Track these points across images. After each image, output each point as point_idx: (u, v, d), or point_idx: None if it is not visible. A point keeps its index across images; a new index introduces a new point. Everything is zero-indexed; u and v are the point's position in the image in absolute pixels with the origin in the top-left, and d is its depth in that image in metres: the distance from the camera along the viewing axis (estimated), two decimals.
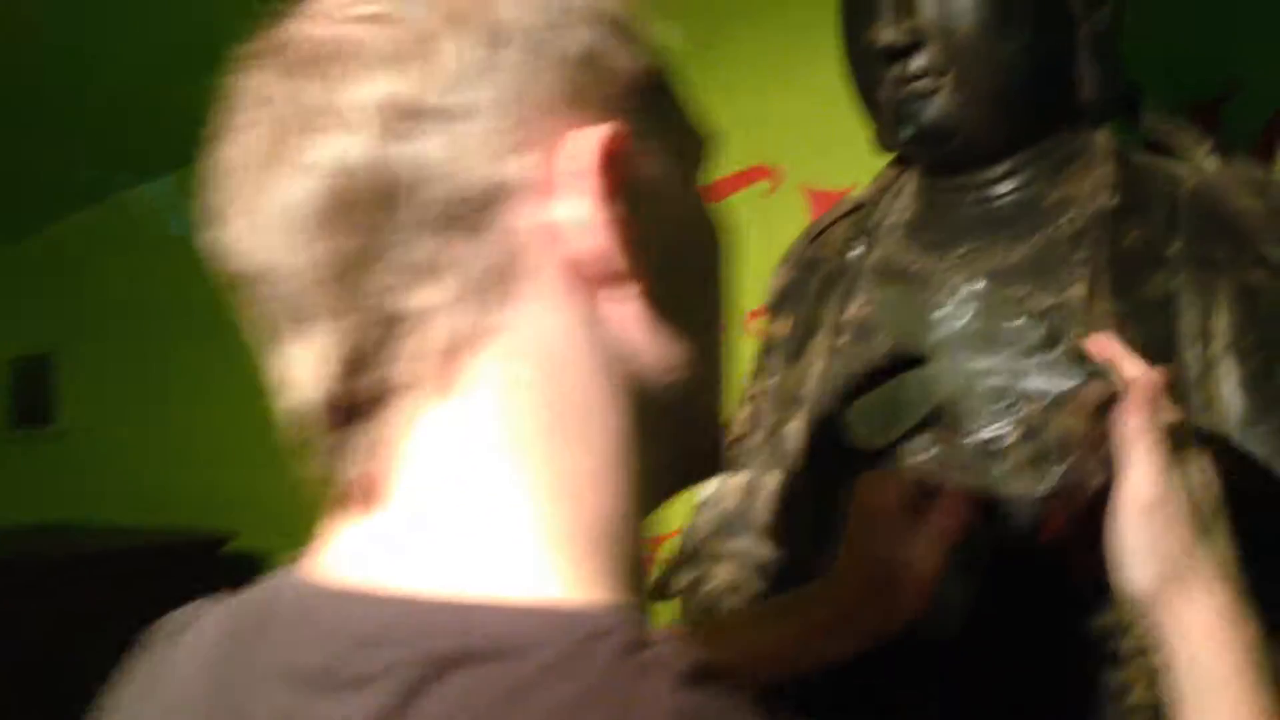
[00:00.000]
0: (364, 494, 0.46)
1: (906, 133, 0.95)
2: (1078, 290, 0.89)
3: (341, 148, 0.43)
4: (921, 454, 0.71)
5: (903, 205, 1.05)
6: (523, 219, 0.44)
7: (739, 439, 1.07)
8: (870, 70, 0.95)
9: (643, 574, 0.48)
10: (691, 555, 1.06)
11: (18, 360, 2.80)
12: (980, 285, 0.67)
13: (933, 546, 0.78)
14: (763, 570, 0.99)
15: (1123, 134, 0.98)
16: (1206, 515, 0.68)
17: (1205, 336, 0.86)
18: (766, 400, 1.05)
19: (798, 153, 1.71)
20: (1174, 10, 1.24)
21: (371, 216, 0.43)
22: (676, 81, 0.53)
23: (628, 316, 0.47)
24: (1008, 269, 0.94)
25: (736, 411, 1.08)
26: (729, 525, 1.04)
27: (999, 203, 0.97)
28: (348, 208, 0.43)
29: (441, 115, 0.43)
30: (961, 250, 0.97)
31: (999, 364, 0.67)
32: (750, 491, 1.03)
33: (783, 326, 1.08)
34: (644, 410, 0.48)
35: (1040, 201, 0.96)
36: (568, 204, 0.45)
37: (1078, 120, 0.97)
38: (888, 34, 0.91)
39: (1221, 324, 0.86)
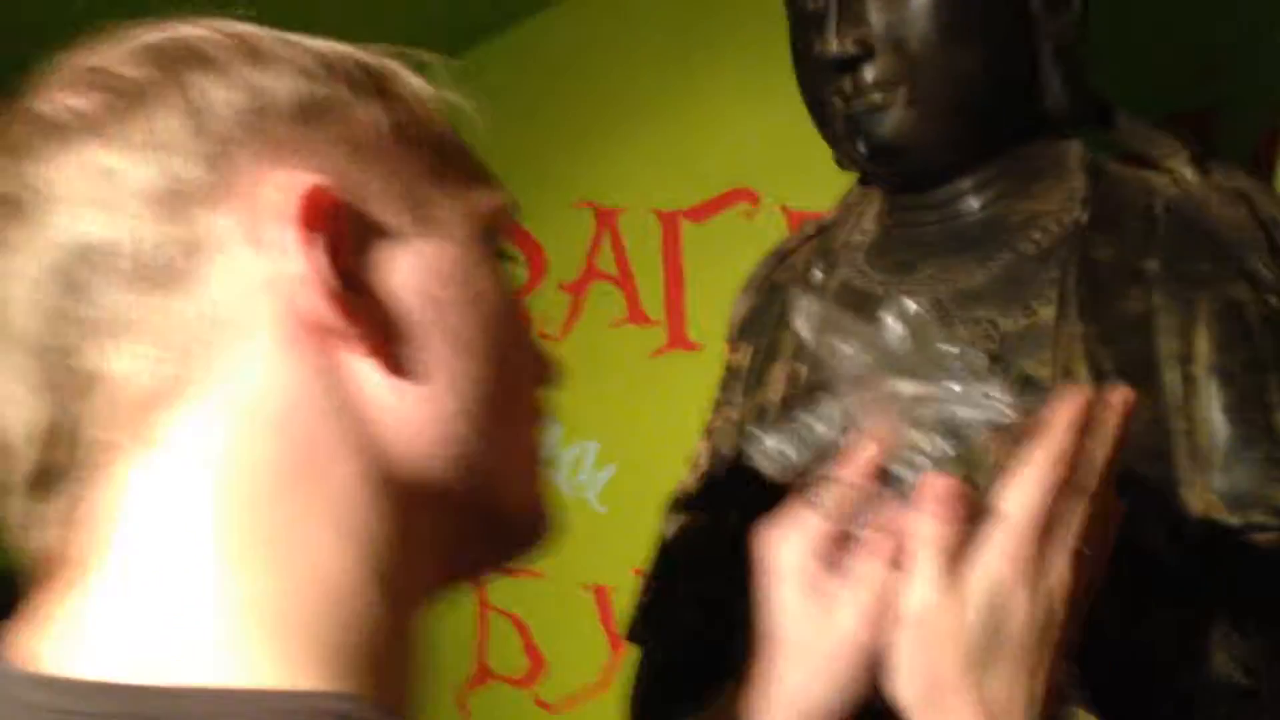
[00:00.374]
0: (66, 564, 0.42)
1: (858, 149, 0.89)
2: (1046, 312, 0.83)
3: (46, 217, 0.42)
4: (835, 490, 0.62)
5: (865, 226, 0.99)
6: (229, 273, 0.42)
7: (699, 474, 1.01)
8: (821, 84, 0.89)
9: (389, 659, 0.42)
10: (653, 599, 1.00)
11: None
12: (913, 308, 0.61)
13: (860, 609, 0.61)
14: (720, 616, 0.93)
15: (1098, 145, 0.92)
16: (996, 645, 0.56)
17: (1185, 357, 0.80)
18: (725, 434, 0.99)
19: (778, 175, 1.65)
20: (1160, 23, 1.18)
21: (68, 276, 0.41)
22: (449, 143, 0.50)
23: (366, 380, 0.44)
24: (971, 290, 0.88)
25: (697, 444, 1.03)
26: (690, 566, 0.98)
27: (963, 220, 0.91)
28: (50, 272, 0.41)
29: (134, 174, 0.41)
30: (926, 272, 0.91)
31: (926, 392, 0.60)
32: (708, 530, 0.97)
33: (743, 356, 1.02)
34: (400, 485, 0.44)
35: (1007, 218, 0.90)
36: (273, 257, 0.42)
37: (1045, 132, 0.91)
38: (834, 45, 0.86)
39: (1203, 343, 0.80)
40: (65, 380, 0.41)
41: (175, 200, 0.41)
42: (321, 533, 0.42)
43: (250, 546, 0.41)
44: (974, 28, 0.85)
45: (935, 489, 0.58)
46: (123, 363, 0.41)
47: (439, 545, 0.46)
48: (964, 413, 0.59)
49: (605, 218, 1.89)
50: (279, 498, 0.41)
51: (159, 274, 0.41)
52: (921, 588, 0.57)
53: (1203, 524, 0.77)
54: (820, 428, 0.62)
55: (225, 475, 0.41)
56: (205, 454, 0.41)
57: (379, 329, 0.44)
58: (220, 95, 0.43)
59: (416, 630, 0.45)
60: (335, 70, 0.46)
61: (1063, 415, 0.59)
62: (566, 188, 1.93)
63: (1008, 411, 0.59)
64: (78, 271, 0.41)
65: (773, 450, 0.61)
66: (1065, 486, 0.58)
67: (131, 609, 0.40)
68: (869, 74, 0.86)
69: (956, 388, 0.59)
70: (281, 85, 0.44)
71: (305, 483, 0.42)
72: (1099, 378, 0.79)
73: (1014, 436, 0.58)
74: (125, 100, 0.42)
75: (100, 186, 0.41)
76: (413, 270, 0.45)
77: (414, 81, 0.48)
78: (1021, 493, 0.57)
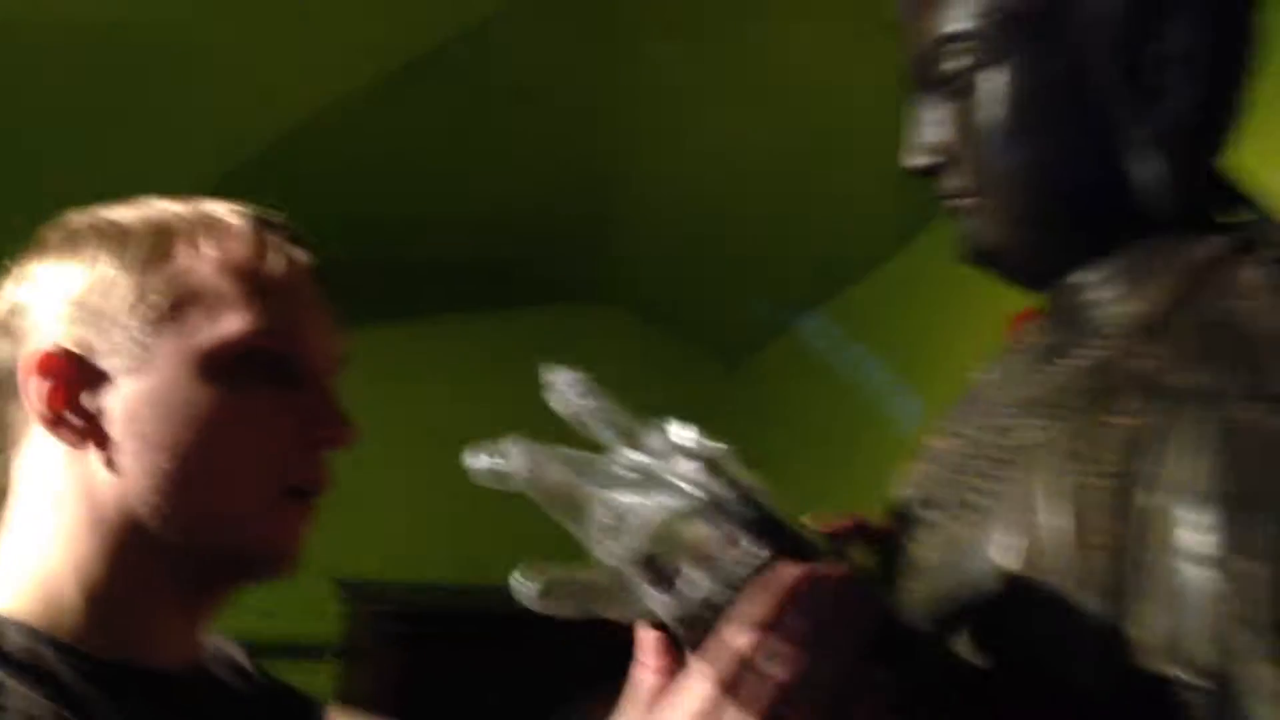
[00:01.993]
0: None
1: (965, 253, 0.91)
2: (1033, 436, 0.79)
3: None
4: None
5: None
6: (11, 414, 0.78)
7: None
8: None
9: (98, 621, 0.74)
10: None
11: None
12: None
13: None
14: None
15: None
16: None
17: (1165, 482, 0.71)
18: None
19: None
20: None
21: None
22: (202, 289, 0.76)
23: (89, 463, 0.74)
24: (1024, 399, 0.85)
25: None
26: None
27: (1069, 322, 0.87)
28: None
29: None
30: (1013, 372, 0.89)
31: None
32: None
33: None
34: (112, 524, 0.74)
35: (1094, 325, 0.84)
36: (29, 398, 0.75)
37: (1161, 229, 0.83)
38: (910, 157, 0.90)
39: (1182, 470, 0.70)
40: None
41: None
42: (59, 545, 0.75)
43: (18, 542, 0.76)
44: (1034, 126, 0.82)
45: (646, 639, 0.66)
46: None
47: (156, 566, 0.75)
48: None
49: None
50: (37, 520, 0.76)
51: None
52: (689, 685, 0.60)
53: (1131, 663, 0.69)
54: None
55: (18, 501, 0.77)
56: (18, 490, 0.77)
57: (97, 436, 0.74)
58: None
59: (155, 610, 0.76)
60: (115, 245, 0.75)
61: (763, 591, 0.59)
62: None
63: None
64: None
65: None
66: (757, 658, 0.58)
67: None
68: (948, 182, 0.88)
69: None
70: (62, 275, 0.77)
71: (51, 519, 0.75)
72: (1061, 500, 0.74)
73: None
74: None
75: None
76: (121, 398, 0.74)
77: (221, 233, 0.76)
78: (713, 654, 0.59)
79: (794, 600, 0.58)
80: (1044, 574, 0.74)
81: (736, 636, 0.58)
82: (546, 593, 0.62)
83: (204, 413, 0.73)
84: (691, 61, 2.11)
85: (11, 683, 0.67)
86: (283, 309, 0.77)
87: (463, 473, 0.67)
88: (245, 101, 2.28)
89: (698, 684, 0.59)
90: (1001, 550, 0.77)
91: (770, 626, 0.57)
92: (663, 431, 0.70)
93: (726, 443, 0.65)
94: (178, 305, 0.74)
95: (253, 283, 0.76)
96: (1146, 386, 0.74)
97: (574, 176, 2.72)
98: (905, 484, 0.95)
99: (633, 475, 0.67)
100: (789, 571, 0.59)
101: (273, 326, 0.75)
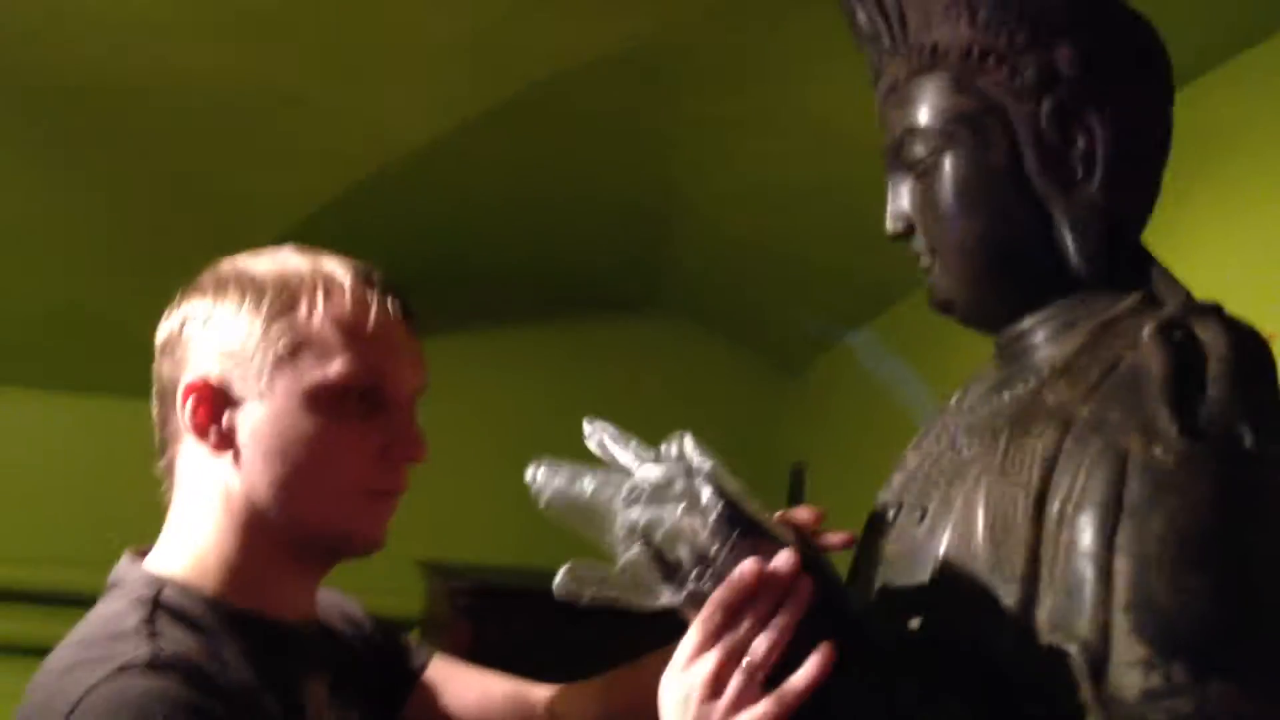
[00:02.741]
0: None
1: (930, 302, 1.09)
2: (972, 451, 0.97)
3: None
4: None
5: None
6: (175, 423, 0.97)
7: None
8: None
9: (230, 585, 0.95)
10: None
11: (795, 467, 3.53)
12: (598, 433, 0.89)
13: None
14: None
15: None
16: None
17: (1068, 495, 0.88)
18: None
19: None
20: None
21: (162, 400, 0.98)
22: (311, 336, 0.95)
23: (227, 468, 0.95)
24: (970, 424, 1.03)
25: None
26: None
27: (1016, 361, 1.04)
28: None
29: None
30: (971, 401, 1.07)
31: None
32: None
33: None
34: (247, 515, 0.95)
35: (1034, 362, 1.01)
36: (182, 415, 0.97)
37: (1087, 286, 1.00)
38: (887, 223, 1.08)
39: (1081, 483, 0.88)
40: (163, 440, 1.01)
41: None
42: (208, 525, 0.96)
43: (178, 522, 0.97)
44: (977, 202, 0.99)
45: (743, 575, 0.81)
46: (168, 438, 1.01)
47: (275, 546, 0.96)
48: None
49: None
50: (190, 506, 0.97)
51: (169, 402, 0.99)
52: (685, 646, 0.82)
53: (1031, 637, 0.87)
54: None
55: (178, 489, 0.98)
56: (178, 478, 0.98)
57: (232, 445, 0.94)
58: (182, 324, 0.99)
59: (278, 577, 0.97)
60: (254, 296, 0.95)
61: (737, 580, 0.80)
62: None
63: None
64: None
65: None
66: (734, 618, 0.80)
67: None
68: (915, 245, 1.06)
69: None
70: (212, 317, 0.97)
71: (202, 505, 0.97)
72: (988, 507, 0.92)
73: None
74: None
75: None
76: (249, 418, 0.94)
77: (332, 291, 0.96)
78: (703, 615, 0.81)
79: (759, 580, 0.79)
80: (973, 566, 0.92)
81: (718, 605, 0.80)
82: (570, 582, 0.82)
83: (308, 435, 0.94)
84: (745, 97, 2.29)
85: (165, 623, 0.89)
86: (375, 352, 0.97)
87: (522, 465, 0.87)
88: (342, 140, 2.52)
89: (690, 636, 0.80)
90: (943, 547, 0.95)
91: (742, 600, 0.79)
92: (672, 449, 0.87)
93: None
94: (294, 350, 0.95)
95: (353, 333, 0.96)
96: (1059, 417, 0.92)
97: (639, 199, 2.92)
98: (883, 490, 1.13)
99: (645, 489, 0.85)
100: (751, 563, 0.80)
101: (365, 367, 0.95)
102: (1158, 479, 0.84)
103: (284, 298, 0.95)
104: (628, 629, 0.89)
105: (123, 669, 0.82)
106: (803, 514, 0.93)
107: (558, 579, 0.82)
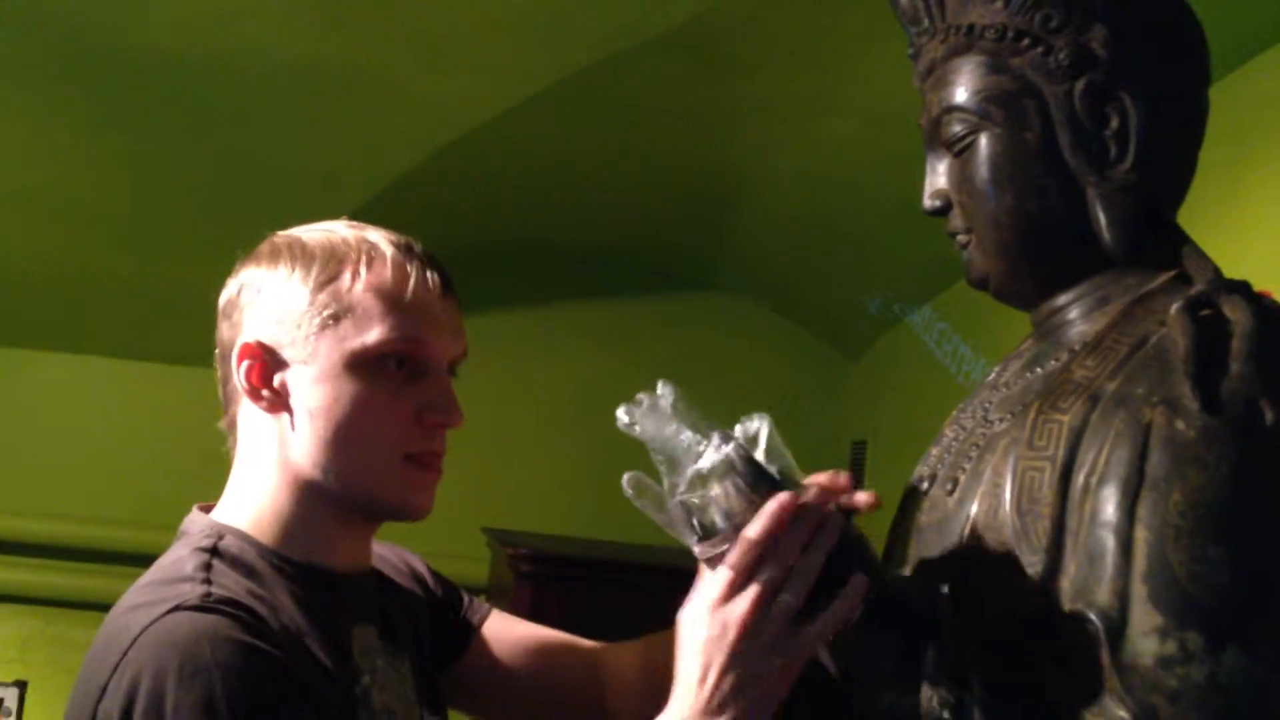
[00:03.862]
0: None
1: (966, 278, 1.10)
2: (1002, 425, 0.98)
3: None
4: None
5: None
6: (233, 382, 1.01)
7: None
8: None
9: (286, 533, 1.01)
10: None
11: (856, 442, 3.54)
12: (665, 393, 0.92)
13: None
14: None
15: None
16: (729, 664, 0.83)
17: (1092, 467, 0.89)
18: None
19: None
20: None
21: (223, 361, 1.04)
22: (357, 305, 1.00)
23: (278, 426, 1.00)
24: (1003, 399, 1.04)
25: None
26: None
27: (1051, 336, 1.06)
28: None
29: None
30: (1006, 376, 1.08)
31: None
32: None
33: None
34: (294, 472, 1.00)
35: (1068, 337, 1.03)
36: (238, 375, 1.01)
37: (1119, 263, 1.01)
38: (925, 200, 1.09)
39: (1105, 456, 0.89)
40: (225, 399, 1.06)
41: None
42: (264, 480, 1.01)
43: (238, 477, 1.02)
44: (1012, 179, 1.00)
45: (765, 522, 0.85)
46: (231, 398, 1.05)
47: (323, 501, 1.00)
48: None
49: None
50: (248, 462, 1.02)
51: (227, 363, 1.04)
52: (703, 591, 0.87)
53: (1053, 603, 0.89)
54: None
55: (238, 446, 1.03)
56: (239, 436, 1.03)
57: (284, 406, 0.99)
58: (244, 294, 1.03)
59: (327, 531, 1.02)
60: (303, 265, 0.99)
61: (764, 515, 0.84)
62: None
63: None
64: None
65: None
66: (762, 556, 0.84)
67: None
68: (952, 222, 1.08)
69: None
70: (266, 283, 1.01)
71: (259, 461, 1.01)
72: (1015, 478, 0.94)
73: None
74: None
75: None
76: (296, 380, 0.99)
77: (374, 261, 1.00)
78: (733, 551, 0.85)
79: (785, 515, 0.84)
80: (1000, 536, 0.94)
81: (751, 542, 0.84)
82: (638, 493, 0.87)
83: (347, 397, 0.99)
84: (805, 79, 2.30)
85: (220, 569, 0.95)
86: (413, 321, 1.00)
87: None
88: (415, 116, 2.57)
89: (723, 571, 0.85)
90: (972, 516, 0.97)
91: (770, 534, 0.83)
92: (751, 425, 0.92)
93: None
94: (337, 316, 0.99)
95: (392, 302, 1.00)
96: (1087, 392, 0.93)
97: (701, 178, 2.94)
98: (921, 462, 1.15)
99: (698, 447, 0.89)
100: (782, 498, 0.84)
101: (403, 335, 0.99)
102: (1179, 452, 0.85)
103: (330, 268, 1.00)
104: (677, 599, 0.93)
105: (176, 609, 0.88)
106: (823, 478, 0.95)
107: (627, 476, 0.87)
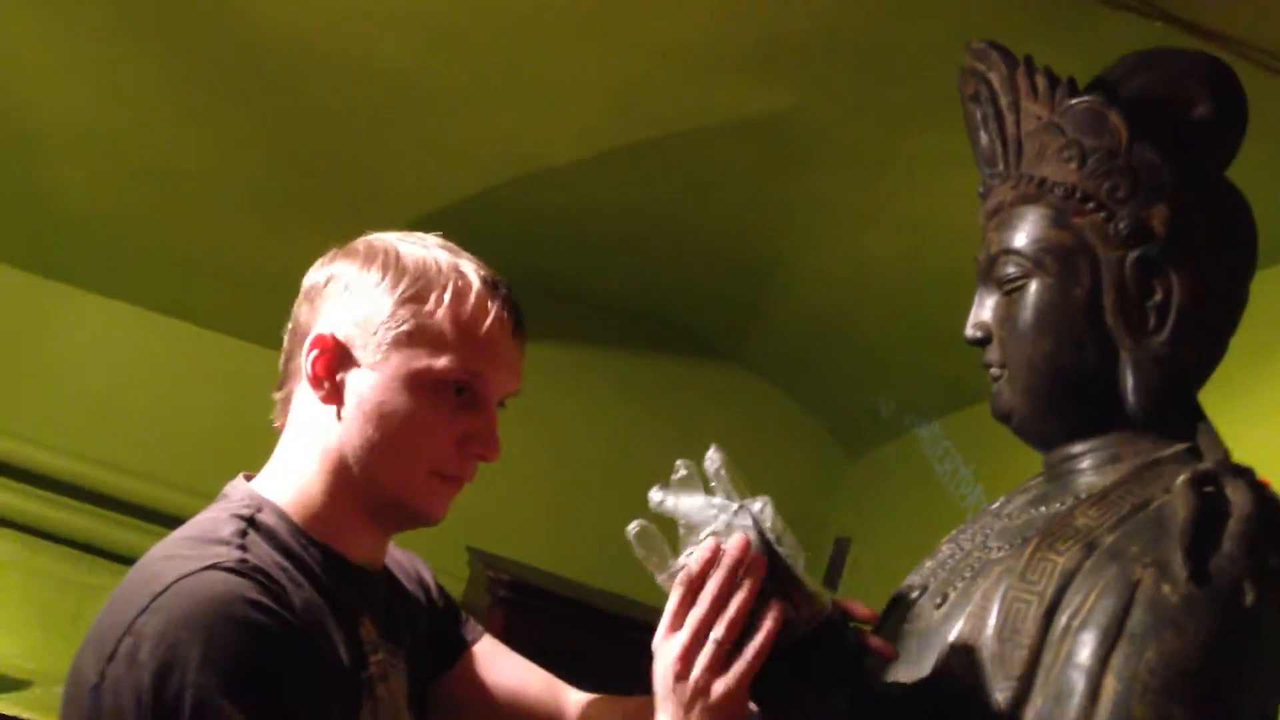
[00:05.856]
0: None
1: (992, 410, 1.14)
2: (1001, 553, 1.02)
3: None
4: None
5: None
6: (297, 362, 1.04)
7: None
8: None
9: (314, 516, 1.04)
10: None
11: (840, 538, 3.56)
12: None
13: None
14: None
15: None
16: (683, 699, 0.90)
17: (1076, 611, 0.93)
18: None
19: None
20: None
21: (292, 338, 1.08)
22: (428, 331, 1.03)
23: (329, 416, 1.03)
24: (1004, 529, 1.08)
25: None
26: None
27: (1060, 480, 1.09)
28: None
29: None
30: (1009, 509, 1.12)
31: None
32: None
33: None
34: (335, 460, 1.03)
35: (1076, 485, 1.07)
36: (304, 360, 1.03)
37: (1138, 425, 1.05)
38: (967, 329, 1.14)
39: (1090, 603, 0.93)
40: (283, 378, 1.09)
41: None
42: (305, 463, 1.04)
43: (283, 452, 1.05)
44: (1055, 327, 1.04)
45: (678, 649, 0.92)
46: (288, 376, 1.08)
47: (352, 494, 1.03)
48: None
49: None
50: (295, 441, 1.05)
51: (291, 357, 1.07)
52: None
53: None
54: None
55: (291, 425, 1.06)
56: (289, 420, 1.06)
57: (339, 400, 1.02)
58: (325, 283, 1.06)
59: (351, 523, 1.05)
60: (393, 276, 1.02)
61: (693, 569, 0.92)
62: None
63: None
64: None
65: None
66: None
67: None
68: (989, 354, 1.12)
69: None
70: (355, 281, 1.04)
71: (303, 443, 1.04)
72: (1003, 606, 0.98)
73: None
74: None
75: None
76: (358, 380, 1.01)
77: (460, 290, 1.03)
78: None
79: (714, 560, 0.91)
80: (978, 656, 0.98)
81: (680, 583, 0.92)
82: (641, 540, 0.94)
83: (403, 410, 1.02)
84: (865, 188, 2.36)
85: (256, 538, 0.98)
86: (480, 355, 1.03)
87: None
88: (486, 146, 2.64)
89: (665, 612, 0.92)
90: (955, 633, 1.01)
91: (702, 574, 0.91)
92: (755, 505, 0.96)
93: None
94: (412, 334, 1.02)
95: (466, 334, 1.03)
96: (1084, 539, 0.97)
97: (747, 259, 3.00)
98: (913, 572, 1.19)
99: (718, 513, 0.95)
100: (710, 541, 0.92)
101: (468, 366, 1.03)
102: (1160, 614, 0.89)
103: (418, 286, 1.03)
104: (640, 649, 0.98)
105: (212, 566, 0.91)
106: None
107: (635, 523, 0.94)
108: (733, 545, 0.91)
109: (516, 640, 2.46)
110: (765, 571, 0.91)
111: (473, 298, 1.04)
